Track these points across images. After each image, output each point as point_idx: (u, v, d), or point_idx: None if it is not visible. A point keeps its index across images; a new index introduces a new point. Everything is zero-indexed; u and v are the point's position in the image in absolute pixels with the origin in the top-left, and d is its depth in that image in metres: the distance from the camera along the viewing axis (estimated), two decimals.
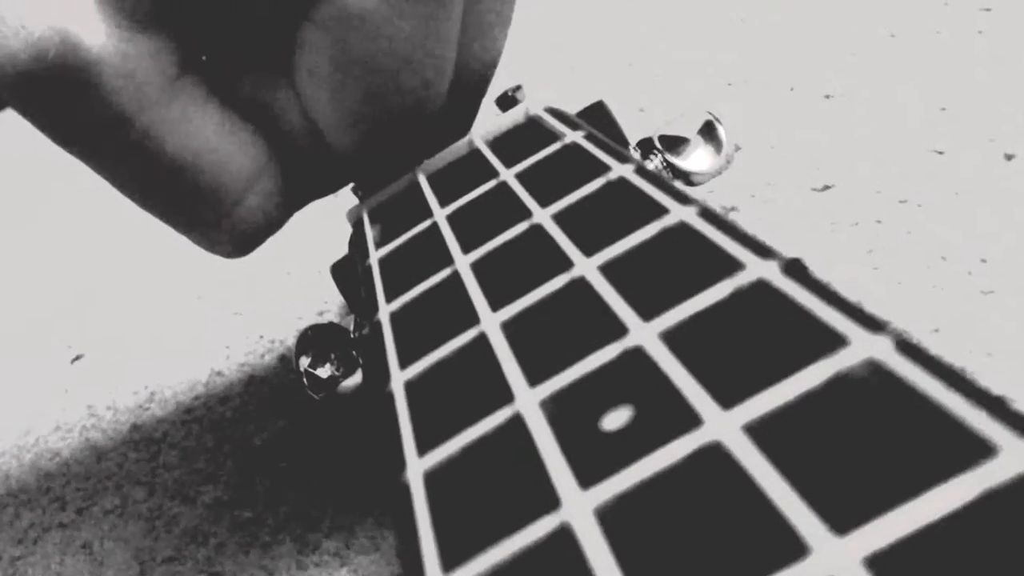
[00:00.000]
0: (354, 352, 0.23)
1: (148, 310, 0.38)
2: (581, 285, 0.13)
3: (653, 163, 0.24)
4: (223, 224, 0.19)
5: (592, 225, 0.14)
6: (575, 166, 0.16)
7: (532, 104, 0.20)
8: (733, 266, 0.11)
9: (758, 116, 0.32)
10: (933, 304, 0.22)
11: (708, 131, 0.25)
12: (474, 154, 0.20)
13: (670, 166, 0.24)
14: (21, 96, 0.17)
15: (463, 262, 0.15)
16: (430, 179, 0.20)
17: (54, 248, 0.47)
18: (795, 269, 0.11)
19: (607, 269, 0.13)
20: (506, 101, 0.25)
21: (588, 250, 0.13)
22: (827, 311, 0.10)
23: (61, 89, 0.16)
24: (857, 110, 0.30)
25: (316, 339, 0.24)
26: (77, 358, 0.37)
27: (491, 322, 0.13)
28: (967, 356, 0.20)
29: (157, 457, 0.29)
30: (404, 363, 0.13)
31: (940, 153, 0.27)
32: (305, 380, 0.23)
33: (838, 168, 0.28)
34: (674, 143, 0.24)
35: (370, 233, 0.19)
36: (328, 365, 0.23)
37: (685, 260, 0.12)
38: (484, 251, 0.15)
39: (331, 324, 0.24)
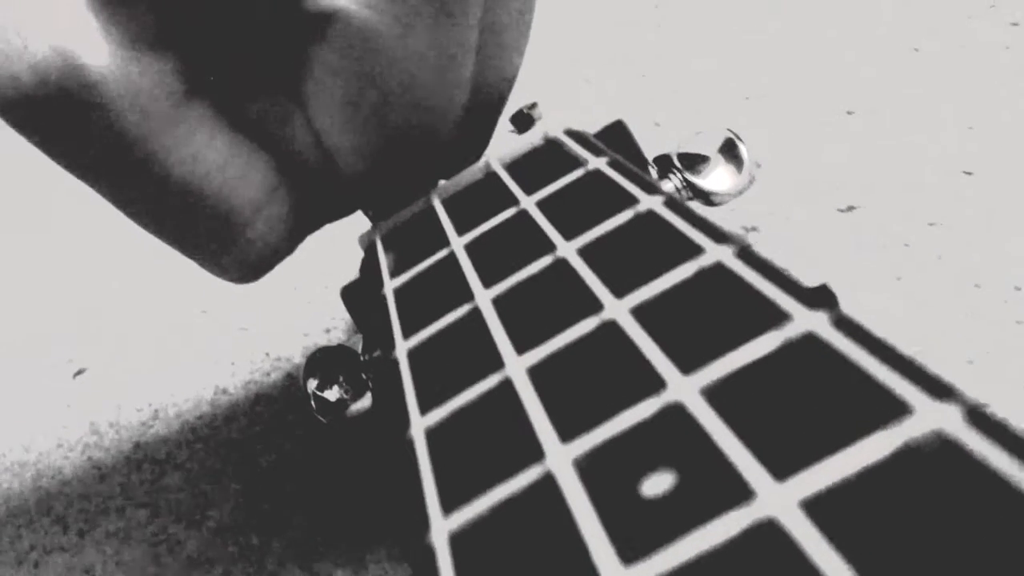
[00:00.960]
0: (363, 375, 0.22)
1: (151, 324, 0.38)
2: (612, 330, 0.12)
3: (672, 182, 0.23)
4: (231, 249, 0.19)
5: (621, 262, 0.13)
6: (600, 196, 0.15)
7: (550, 126, 0.19)
8: (778, 316, 0.10)
9: (779, 132, 0.31)
10: (966, 334, 0.21)
11: (728, 149, 0.24)
12: (491, 178, 0.19)
13: (690, 185, 0.23)
14: (23, 119, 0.16)
15: (484, 297, 0.14)
16: (445, 204, 0.19)
17: (56, 259, 0.47)
18: (846, 322, 0.10)
19: (640, 313, 0.12)
20: (521, 119, 0.24)
21: (618, 291, 0.12)
22: (885, 372, 0.09)
23: (64, 111, 0.16)
24: (882, 127, 0.29)
25: (324, 361, 0.23)
26: (79, 372, 0.36)
27: (516, 367, 0.12)
28: (1002, 390, 0.19)
29: (161, 478, 0.29)
30: (424, 408, 0.13)
31: (969, 174, 0.26)
32: (313, 403, 0.23)
33: (863, 188, 0.27)
34: (693, 161, 0.24)
35: (384, 260, 0.18)
36: (336, 388, 0.23)
37: (724, 307, 0.11)
38: (506, 286, 0.14)
39: (340, 346, 0.23)
